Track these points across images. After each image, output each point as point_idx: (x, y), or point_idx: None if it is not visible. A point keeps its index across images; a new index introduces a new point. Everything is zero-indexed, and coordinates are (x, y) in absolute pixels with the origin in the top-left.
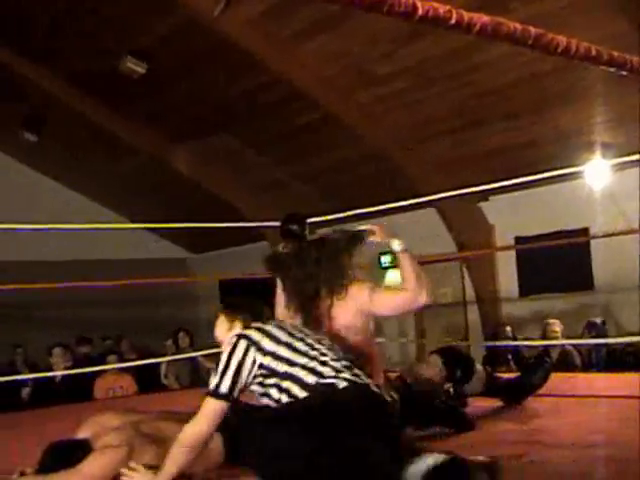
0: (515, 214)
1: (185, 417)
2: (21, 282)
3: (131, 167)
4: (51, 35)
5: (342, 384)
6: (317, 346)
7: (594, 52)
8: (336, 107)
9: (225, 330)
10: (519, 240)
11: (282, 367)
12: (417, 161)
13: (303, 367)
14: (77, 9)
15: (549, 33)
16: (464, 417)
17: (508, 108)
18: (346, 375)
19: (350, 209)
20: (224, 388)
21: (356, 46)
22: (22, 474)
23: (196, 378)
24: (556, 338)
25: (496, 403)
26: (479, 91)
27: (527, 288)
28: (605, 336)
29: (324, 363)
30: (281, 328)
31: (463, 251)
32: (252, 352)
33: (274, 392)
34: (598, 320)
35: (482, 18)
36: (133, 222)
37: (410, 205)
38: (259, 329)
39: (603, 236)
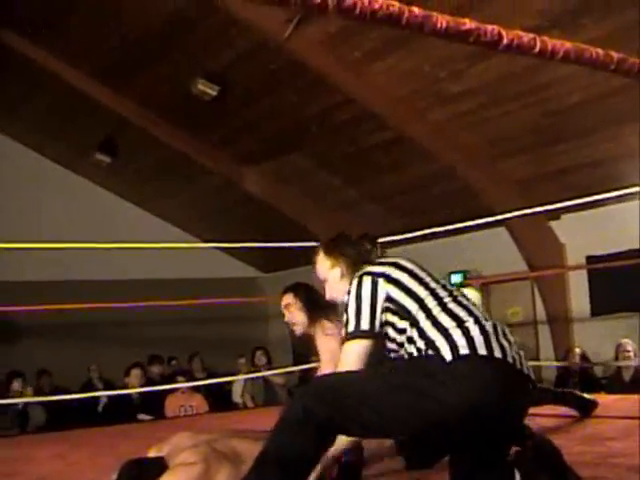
0: (586, 233)
1: (261, 436)
2: (94, 301)
3: (203, 188)
4: (124, 59)
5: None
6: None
7: None
8: (407, 126)
9: (327, 268)
10: (590, 259)
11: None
12: (489, 180)
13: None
14: (150, 33)
15: (630, 57)
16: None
17: (579, 126)
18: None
19: (421, 229)
20: (365, 325)
21: (427, 65)
22: None
23: (270, 397)
24: (629, 358)
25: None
26: (550, 109)
27: (599, 307)
28: None
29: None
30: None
31: (534, 270)
32: (382, 283)
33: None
34: None
35: (565, 45)
36: (204, 242)
37: (481, 224)
38: (382, 263)
39: None
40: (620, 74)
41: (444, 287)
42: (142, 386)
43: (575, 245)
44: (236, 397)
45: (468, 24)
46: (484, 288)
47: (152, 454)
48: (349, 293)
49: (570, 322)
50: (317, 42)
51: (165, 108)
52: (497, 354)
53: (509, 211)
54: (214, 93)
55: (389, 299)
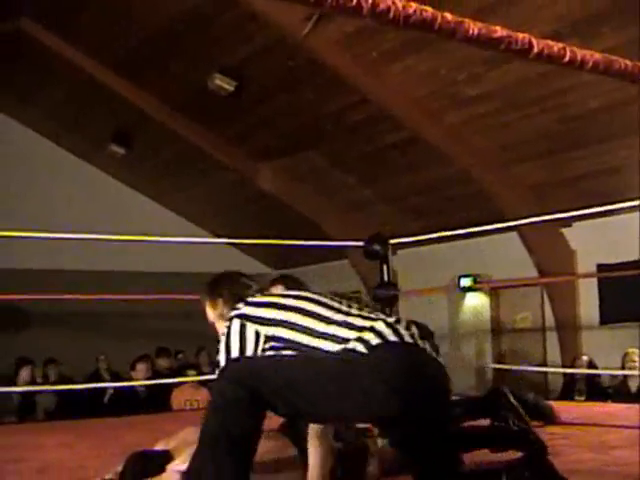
0: (598, 241)
1: (267, 434)
2: (105, 292)
3: (217, 184)
4: (143, 52)
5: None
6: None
7: None
8: (423, 128)
9: (210, 310)
10: (601, 267)
11: (292, 335)
12: (503, 184)
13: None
14: (169, 28)
15: None
16: (538, 441)
17: (594, 134)
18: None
19: (434, 231)
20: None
21: (444, 68)
22: None
23: None
24: (635, 368)
25: None
26: (567, 115)
27: (608, 316)
28: None
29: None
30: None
31: (544, 276)
32: (250, 326)
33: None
34: None
35: (594, 56)
36: (217, 237)
37: (493, 229)
38: (251, 303)
39: None
40: None
41: (339, 307)
42: (149, 379)
43: (586, 252)
44: None
45: (499, 32)
46: (494, 293)
47: (159, 447)
48: (223, 334)
49: (578, 330)
50: (335, 41)
51: (182, 102)
52: (407, 339)
53: (522, 217)
54: (231, 88)
55: (268, 338)
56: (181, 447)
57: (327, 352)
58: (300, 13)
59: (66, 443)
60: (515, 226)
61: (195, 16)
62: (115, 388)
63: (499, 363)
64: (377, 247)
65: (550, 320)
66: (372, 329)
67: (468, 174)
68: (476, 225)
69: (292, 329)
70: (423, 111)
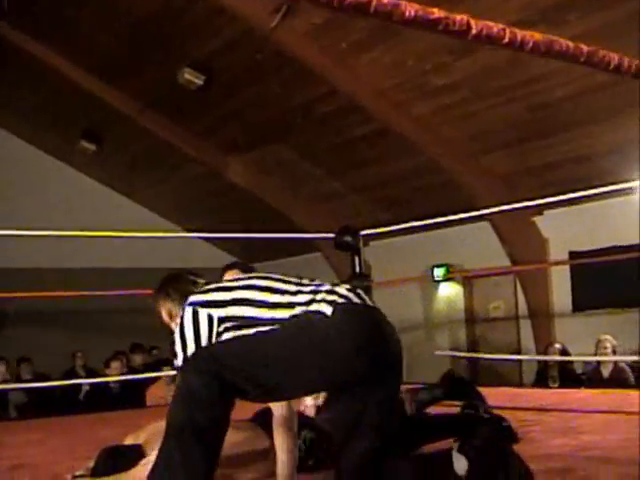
0: (569, 229)
1: (241, 425)
2: (80, 289)
3: (188, 177)
4: (111, 49)
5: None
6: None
7: None
8: (392, 119)
9: (162, 313)
10: (573, 255)
11: (247, 310)
12: (472, 174)
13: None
14: (138, 23)
15: (601, 50)
16: (509, 429)
17: (563, 121)
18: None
19: (404, 221)
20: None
21: (412, 58)
22: (75, 477)
23: None
24: (608, 354)
25: None
26: (534, 104)
27: (581, 303)
28: None
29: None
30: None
31: (516, 265)
32: (202, 311)
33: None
34: None
35: (534, 36)
36: (188, 232)
37: (464, 218)
38: (199, 292)
39: None
40: (591, 67)
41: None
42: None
43: (558, 241)
44: None
45: (436, 13)
46: (467, 282)
47: (129, 442)
48: (176, 325)
49: (551, 317)
50: (303, 33)
51: (151, 97)
52: (369, 302)
53: (493, 205)
54: (200, 82)
55: (222, 319)
56: (152, 440)
57: (284, 319)
58: (268, 6)
59: (39, 440)
60: (486, 215)
61: (164, 11)
62: (90, 385)
63: (473, 352)
64: (348, 238)
65: (523, 308)
66: (332, 292)
67: (437, 164)
68: (447, 215)
69: (245, 305)
70: (391, 102)
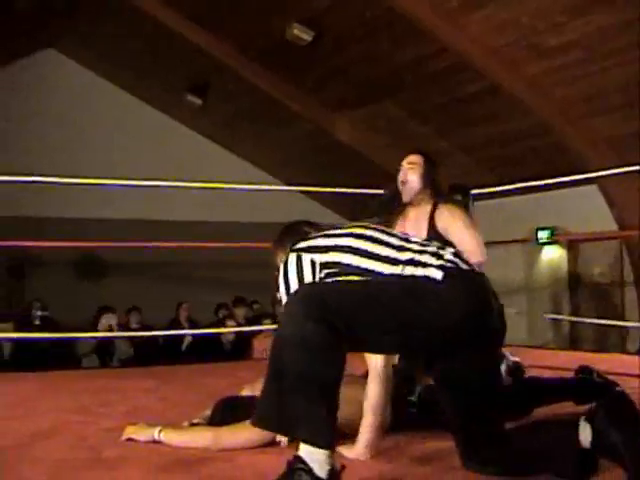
0: None
1: (359, 380)
2: (183, 241)
3: (293, 134)
4: (220, 1)
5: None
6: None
7: None
8: (503, 78)
9: (277, 262)
10: None
11: (347, 258)
12: (584, 136)
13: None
14: None
15: None
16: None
17: None
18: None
19: (512, 182)
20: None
21: (525, 17)
22: (192, 424)
23: None
24: None
25: None
26: None
27: None
28: None
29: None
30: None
31: (624, 230)
32: (306, 256)
33: None
34: None
35: None
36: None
37: (573, 180)
38: (303, 239)
39: None
40: None
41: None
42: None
43: None
44: None
45: None
46: (572, 246)
47: (246, 392)
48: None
49: None
50: None
51: (259, 52)
52: (477, 270)
53: (602, 169)
54: (309, 38)
55: (323, 264)
56: None
57: (383, 274)
58: None
59: (148, 388)
60: (595, 177)
61: None
62: (193, 336)
63: (576, 317)
64: (458, 197)
65: (629, 275)
66: (439, 255)
67: (548, 125)
68: (555, 177)
69: (347, 252)
70: (503, 61)
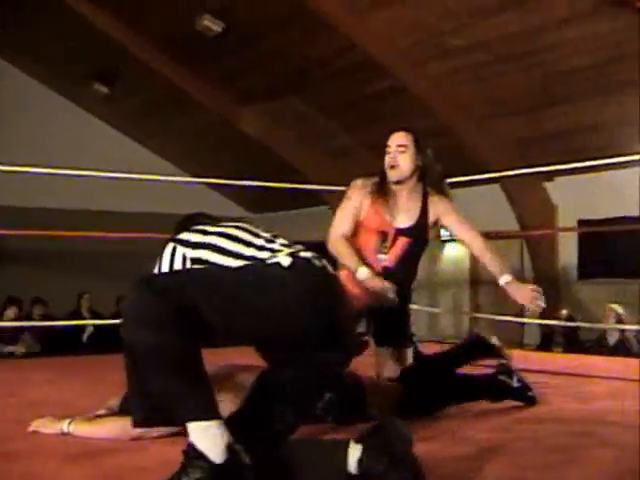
0: (579, 197)
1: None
2: (87, 231)
3: (200, 125)
4: None
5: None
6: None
7: None
8: (407, 77)
9: None
10: (582, 223)
11: (213, 256)
12: (486, 137)
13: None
14: None
15: None
16: (532, 400)
17: (579, 90)
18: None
19: None
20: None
21: (431, 17)
22: (97, 416)
23: None
24: (613, 323)
25: None
26: (552, 71)
27: (587, 271)
28: None
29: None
30: (219, 226)
31: (525, 230)
32: (179, 249)
33: None
34: None
35: None
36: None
37: (475, 180)
38: (189, 230)
39: None
40: None
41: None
42: None
43: (568, 208)
44: None
45: None
46: None
47: (113, 402)
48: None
49: (557, 284)
50: None
51: (168, 43)
52: (329, 269)
53: (504, 169)
54: (219, 29)
55: (193, 260)
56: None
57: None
58: None
59: (51, 380)
60: (497, 177)
61: None
62: (95, 326)
63: (476, 313)
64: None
65: (529, 273)
66: (294, 253)
67: (451, 125)
68: (458, 176)
69: (213, 250)
70: (407, 60)
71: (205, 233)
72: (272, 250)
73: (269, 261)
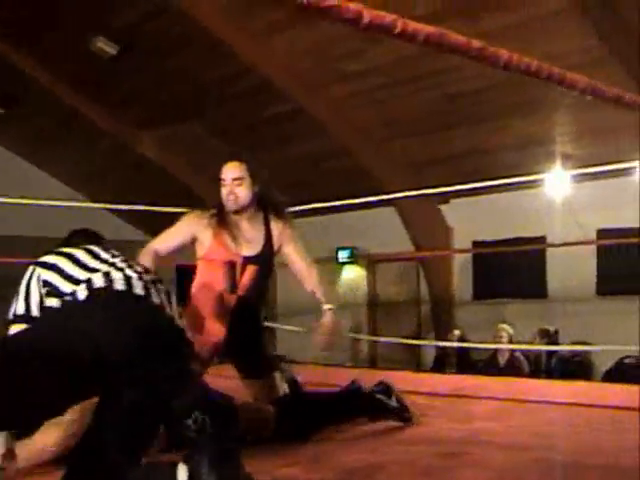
0: (474, 219)
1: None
2: None
3: (99, 150)
4: (24, 13)
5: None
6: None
7: (534, 67)
8: (305, 101)
9: None
10: (477, 244)
11: (55, 278)
12: (382, 159)
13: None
14: None
15: (491, 47)
16: (407, 410)
17: (474, 113)
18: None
19: (312, 202)
20: (20, 310)
21: (328, 42)
22: None
23: None
24: (504, 343)
25: None
26: (447, 94)
27: (481, 292)
28: (556, 344)
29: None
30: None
31: (420, 252)
32: (37, 271)
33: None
34: (551, 328)
35: (426, 29)
36: (95, 203)
37: (370, 202)
38: (53, 252)
39: (559, 245)
40: (482, 62)
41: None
42: None
43: (463, 230)
44: None
45: (329, 0)
46: (370, 266)
47: None
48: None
49: (452, 305)
50: (220, 9)
51: (63, 65)
52: (136, 291)
53: (399, 191)
54: (113, 52)
55: (44, 282)
56: None
57: (70, 294)
58: None
59: None
60: (392, 199)
61: None
62: None
63: (374, 336)
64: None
65: (425, 294)
66: (106, 274)
67: (347, 148)
68: (353, 198)
69: (55, 272)
70: (305, 84)
71: (56, 253)
72: (100, 271)
73: (85, 295)
